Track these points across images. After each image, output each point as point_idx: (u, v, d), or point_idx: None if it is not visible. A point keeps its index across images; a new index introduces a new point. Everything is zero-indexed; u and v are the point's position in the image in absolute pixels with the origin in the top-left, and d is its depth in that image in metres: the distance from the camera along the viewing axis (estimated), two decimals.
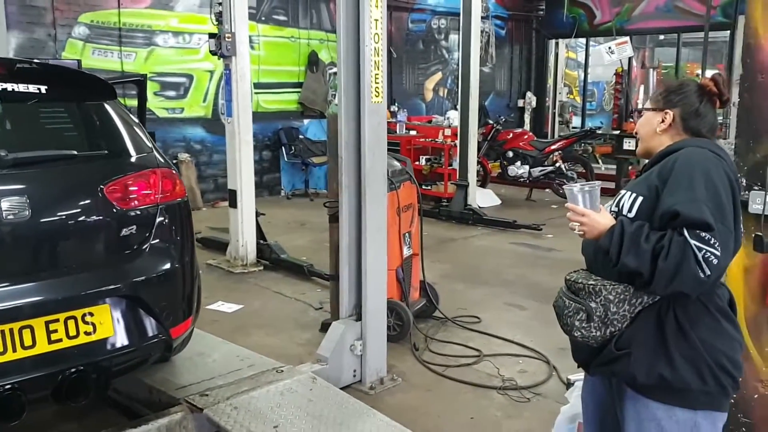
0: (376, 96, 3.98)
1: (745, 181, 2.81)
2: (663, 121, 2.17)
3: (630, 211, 2.06)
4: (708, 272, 1.85)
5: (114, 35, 9.07)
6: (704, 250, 1.85)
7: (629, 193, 2.11)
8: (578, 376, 3.13)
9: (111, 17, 9.01)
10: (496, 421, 3.82)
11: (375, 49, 3.92)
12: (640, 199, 2.05)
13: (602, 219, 2.03)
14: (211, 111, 10.19)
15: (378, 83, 3.97)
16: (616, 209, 2.13)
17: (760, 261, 2.82)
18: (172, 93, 9.80)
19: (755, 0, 2.83)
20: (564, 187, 2.17)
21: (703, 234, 1.86)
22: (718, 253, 1.86)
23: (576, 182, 10.32)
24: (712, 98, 2.17)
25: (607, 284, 2.00)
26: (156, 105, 9.52)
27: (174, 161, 9.52)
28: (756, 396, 2.90)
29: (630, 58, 12.41)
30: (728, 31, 12.30)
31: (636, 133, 2.29)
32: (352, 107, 4.04)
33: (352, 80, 4.01)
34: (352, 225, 4.16)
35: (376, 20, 3.89)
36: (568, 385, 3.55)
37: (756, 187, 2.79)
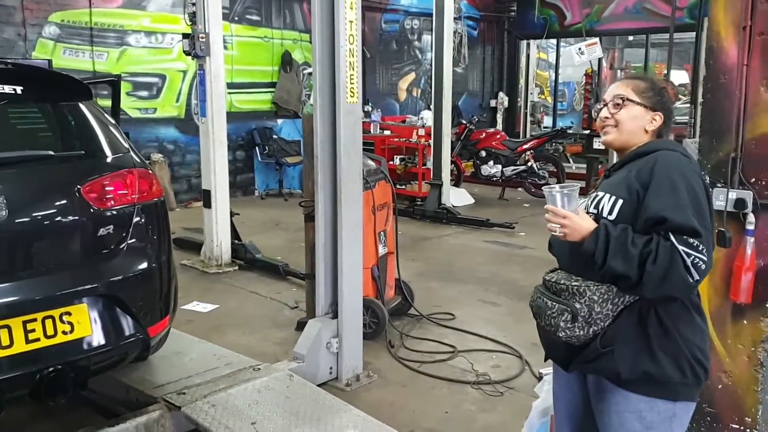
0: (352, 96, 4.02)
1: (708, 178, 2.91)
2: (653, 121, 2.18)
3: (611, 213, 2.06)
4: (697, 277, 1.91)
5: (85, 35, 9.01)
6: (693, 256, 1.89)
7: (608, 195, 2.11)
8: (550, 369, 3.20)
9: (82, 17, 8.94)
10: (471, 415, 3.89)
11: (350, 50, 3.97)
12: (621, 201, 2.06)
13: (584, 222, 2.03)
14: (184, 111, 10.16)
15: (353, 84, 4.01)
16: (595, 211, 2.12)
17: (723, 255, 2.91)
18: (144, 93, 9.75)
19: (717, 4, 2.92)
20: (543, 188, 2.16)
21: (691, 240, 1.90)
22: (705, 258, 1.91)
23: (549, 182, 10.48)
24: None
25: (591, 285, 2.02)
26: (128, 105, 9.46)
27: (147, 162, 9.45)
28: (720, 386, 3.00)
29: (600, 59, 12.60)
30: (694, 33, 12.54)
31: (612, 120, 2.19)
32: (328, 107, 4.08)
33: (327, 81, 4.05)
34: (327, 224, 4.20)
35: (351, 22, 3.94)
36: (540, 378, 3.62)
37: (719, 184, 2.89)
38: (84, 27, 8.97)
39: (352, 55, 3.99)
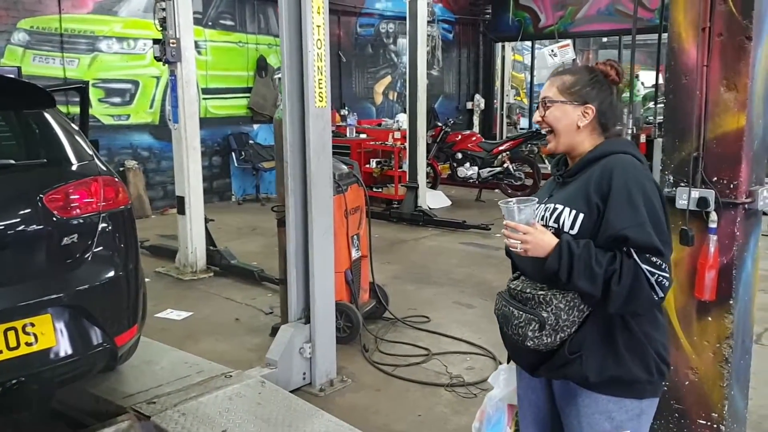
0: (320, 101, 4.02)
1: (672, 177, 2.94)
2: (585, 116, 2.12)
3: (572, 228, 2.02)
4: (661, 294, 1.92)
5: (55, 41, 8.90)
6: (657, 275, 1.90)
7: (568, 209, 2.06)
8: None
9: (52, 23, 8.83)
10: (444, 417, 3.90)
11: (318, 54, 3.96)
12: (581, 216, 2.02)
13: (546, 237, 1.99)
14: (159, 117, 10.07)
15: (322, 88, 4.01)
16: (555, 225, 2.07)
17: (687, 254, 2.94)
18: (117, 99, 9.66)
19: (677, 6, 2.95)
20: (499, 202, 2.07)
21: (654, 259, 1.91)
22: (668, 276, 1.92)
23: (525, 183, 10.52)
24: (614, 87, 2.18)
25: (557, 293, 2.01)
26: (101, 112, 9.38)
27: (121, 169, 9.40)
28: (687, 383, 3.02)
29: (573, 60, 12.70)
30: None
31: (545, 125, 2.16)
32: (297, 112, 4.07)
33: (296, 85, 4.05)
34: (298, 228, 4.19)
35: (318, 26, 3.94)
36: None
37: (682, 184, 2.92)
38: (54, 33, 8.87)
39: (321, 60, 3.98)
